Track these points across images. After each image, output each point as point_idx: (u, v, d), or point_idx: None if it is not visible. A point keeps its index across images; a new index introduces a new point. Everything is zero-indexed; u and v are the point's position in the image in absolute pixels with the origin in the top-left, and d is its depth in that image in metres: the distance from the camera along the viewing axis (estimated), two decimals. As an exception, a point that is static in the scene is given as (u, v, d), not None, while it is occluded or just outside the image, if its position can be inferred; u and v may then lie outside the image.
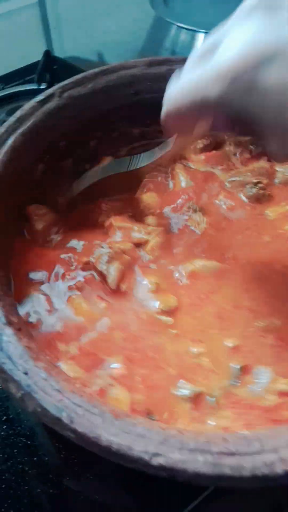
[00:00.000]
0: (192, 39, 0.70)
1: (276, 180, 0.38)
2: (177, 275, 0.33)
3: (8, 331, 0.24)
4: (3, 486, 0.37)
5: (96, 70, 0.38)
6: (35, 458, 0.39)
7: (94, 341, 0.29)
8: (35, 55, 0.67)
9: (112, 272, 0.31)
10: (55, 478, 0.38)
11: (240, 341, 0.30)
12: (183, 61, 0.39)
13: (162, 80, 0.38)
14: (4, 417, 0.41)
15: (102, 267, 0.31)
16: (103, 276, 0.32)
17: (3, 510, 0.36)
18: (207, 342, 0.30)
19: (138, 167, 0.34)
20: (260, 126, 0.23)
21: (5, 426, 0.40)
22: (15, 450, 0.39)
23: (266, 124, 0.22)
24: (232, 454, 0.21)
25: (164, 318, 0.31)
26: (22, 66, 0.68)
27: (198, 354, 0.29)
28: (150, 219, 0.36)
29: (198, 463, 0.21)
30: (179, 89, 0.25)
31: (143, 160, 0.34)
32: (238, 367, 0.29)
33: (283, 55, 0.20)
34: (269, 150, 0.24)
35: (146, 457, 0.21)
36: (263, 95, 0.21)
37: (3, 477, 0.37)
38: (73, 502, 0.37)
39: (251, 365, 0.29)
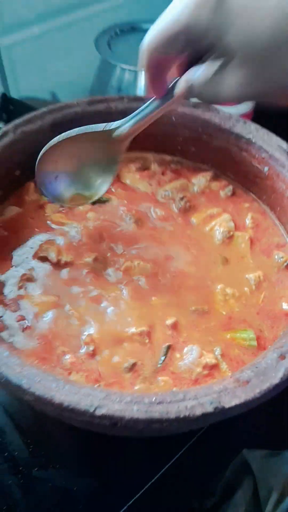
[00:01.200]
0: (135, 78, 0.78)
1: (195, 188, 0.46)
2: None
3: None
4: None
5: (44, 109, 0.44)
6: (6, 454, 0.43)
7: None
8: (-8, 97, 0.73)
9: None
10: (25, 469, 0.42)
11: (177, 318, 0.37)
12: (119, 99, 0.46)
13: (101, 116, 0.46)
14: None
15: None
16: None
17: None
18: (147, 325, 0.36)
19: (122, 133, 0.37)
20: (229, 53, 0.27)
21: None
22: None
23: (235, 48, 0.26)
24: (160, 403, 0.27)
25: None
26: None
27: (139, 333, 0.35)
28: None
29: (133, 411, 0.26)
30: (159, 26, 0.29)
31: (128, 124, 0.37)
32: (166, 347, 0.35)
33: None
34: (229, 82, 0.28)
35: (91, 409, 0.26)
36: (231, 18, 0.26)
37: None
38: (42, 490, 0.41)
39: (182, 344, 0.35)
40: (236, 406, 0.27)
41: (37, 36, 0.80)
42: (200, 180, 0.47)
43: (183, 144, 0.48)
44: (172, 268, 0.40)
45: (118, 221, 0.43)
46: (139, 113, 0.36)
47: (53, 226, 0.42)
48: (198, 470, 0.43)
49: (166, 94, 0.34)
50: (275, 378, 0.28)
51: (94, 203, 0.43)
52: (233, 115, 0.45)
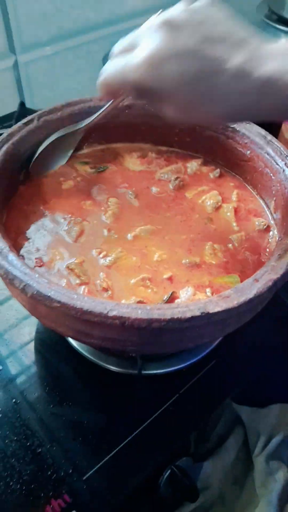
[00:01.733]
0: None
1: (189, 170, 0.55)
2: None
3: (11, 254, 0.37)
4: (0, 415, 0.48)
5: (63, 103, 0.53)
6: (25, 394, 0.50)
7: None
8: (11, 107, 0.83)
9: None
10: (42, 406, 0.49)
11: (172, 272, 0.44)
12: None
13: (110, 110, 0.54)
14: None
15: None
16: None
17: (2, 433, 0.46)
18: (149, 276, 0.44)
19: (82, 125, 0.48)
20: (159, 98, 0.36)
21: None
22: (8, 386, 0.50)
23: (164, 96, 0.35)
24: (159, 309, 0.34)
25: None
26: (1, 115, 0.85)
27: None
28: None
29: (138, 313, 0.33)
30: (110, 72, 0.37)
31: (84, 123, 0.48)
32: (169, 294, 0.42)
33: (176, 57, 0.33)
34: (164, 114, 0.37)
35: (105, 311, 0.33)
36: (164, 79, 0.34)
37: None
38: (57, 423, 0.47)
39: (178, 288, 0.43)
40: (218, 312, 0.34)
41: (50, 55, 0.90)
42: (192, 165, 0.56)
43: (180, 135, 0.57)
44: (167, 231, 0.48)
45: (122, 198, 0.51)
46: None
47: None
48: (196, 409, 0.49)
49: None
50: (250, 294, 0.35)
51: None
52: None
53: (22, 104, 0.81)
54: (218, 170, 0.55)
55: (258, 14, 0.94)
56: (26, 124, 0.50)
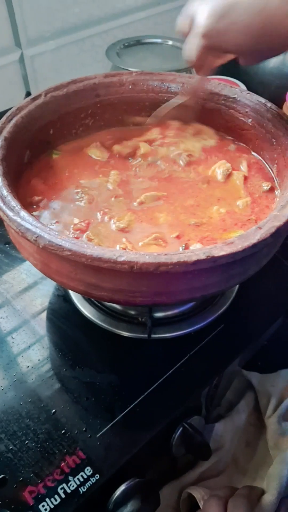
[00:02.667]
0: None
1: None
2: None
3: (23, 211, 0.39)
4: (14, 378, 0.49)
5: (69, 80, 0.55)
6: (39, 359, 0.51)
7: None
8: (18, 99, 0.85)
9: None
10: (55, 370, 0.50)
11: (179, 232, 0.45)
12: (129, 73, 0.57)
13: (114, 86, 0.57)
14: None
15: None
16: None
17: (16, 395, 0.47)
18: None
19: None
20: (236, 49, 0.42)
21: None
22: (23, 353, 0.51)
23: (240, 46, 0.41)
24: (166, 255, 0.35)
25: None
26: (8, 108, 0.87)
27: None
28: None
29: (146, 258, 0.35)
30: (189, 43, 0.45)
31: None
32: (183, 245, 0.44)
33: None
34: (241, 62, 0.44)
35: (114, 257, 0.35)
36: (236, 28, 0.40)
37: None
38: (70, 385, 0.49)
39: (188, 244, 0.44)
40: (223, 256, 0.35)
41: (55, 49, 0.93)
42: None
43: (182, 109, 0.58)
44: (175, 198, 0.49)
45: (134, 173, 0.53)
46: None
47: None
48: (206, 369, 0.50)
49: None
50: (254, 239, 0.36)
51: None
52: (220, 82, 0.56)
53: (28, 94, 0.84)
54: (231, 145, 0.57)
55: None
56: (33, 99, 0.52)
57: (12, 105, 0.88)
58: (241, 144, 0.56)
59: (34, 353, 0.51)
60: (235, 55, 0.46)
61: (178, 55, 0.94)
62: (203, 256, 0.35)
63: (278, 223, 0.38)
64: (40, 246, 0.36)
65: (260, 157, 0.54)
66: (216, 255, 0.35)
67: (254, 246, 0.36)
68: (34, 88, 0.95)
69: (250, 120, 0.53)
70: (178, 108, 0.56)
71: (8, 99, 0.88)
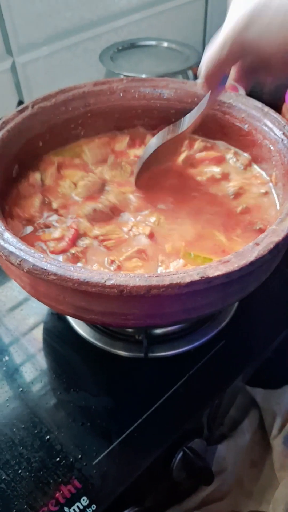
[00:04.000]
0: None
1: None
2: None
3: (7, 233, 0.37)
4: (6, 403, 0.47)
5: (57, 90, 0.53)
6: (32, 382, 0.49)
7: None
8: (11, 109, 0.83)
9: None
10: (49, 394, 0.48)
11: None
12: (119, 80, 0.55)
13: (105, 95, 0.54)
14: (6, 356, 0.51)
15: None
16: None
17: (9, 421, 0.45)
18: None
19: (186, 128, 0.47)
20: (267, 63, 0.37)
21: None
22: (15, 375, 0.49)
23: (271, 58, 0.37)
24: (157, 276, 0.33)
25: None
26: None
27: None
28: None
29: (136, 280, 0.32)
30: (220, 40, 0.38)
31: (187, 121, 0.47)
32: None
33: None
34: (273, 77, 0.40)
35: (103, 281, 0.32)
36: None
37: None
38: (65, 409, 0.47)
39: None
40: (218, 276, 0.33)
41: (47, 55, 0.91)
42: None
43: (176, 116, 0.56)
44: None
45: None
46: (194, 112, 0.46)
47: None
48: (206, 389, 0.48)
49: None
50: (251, 257, 0.34)
51: None
52: (216, 87, 0.53)
53: (20, 103, 0.82)
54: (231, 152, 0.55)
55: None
56: (20, 111, 0.50)
57: (4, 114, 0.87)
58: (238, 150, 0.54)
59: (27, 375, 0.49)
60: (264, 72, 0.40)
61: (173, 57, 0.92)
62: (197, 277, 0.33)
63: (277, 238, 0.35)
64: (24, 270, 0.34)
65: (257, 165, 0.52)
66: (210, 275, 0.33)
67: (252, 264, 0.34)
68: (28, 95, 0.93)
69: (246, 126, 0.51)
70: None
71: (2, 108, 0.86)
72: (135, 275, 0.33)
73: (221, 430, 0.53)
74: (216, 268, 0.33)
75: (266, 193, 0.49)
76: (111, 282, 0.32)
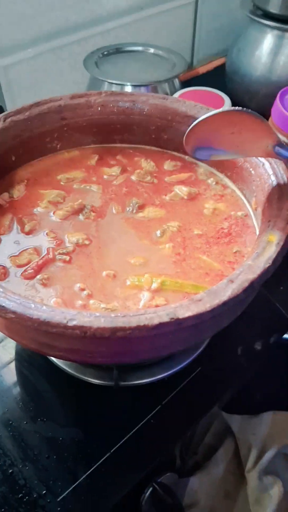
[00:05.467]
0: (122, 90, 0.85)
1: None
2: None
3: None
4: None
5: (31, 102, 0.51)
6: (-3, 411, 0.47)
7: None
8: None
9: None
10: (15, 423, 0.46)
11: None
12: (98, 94, 0.53)
13: (82, 109, 0.52)
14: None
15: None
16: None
17: None
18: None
19: None
20: None
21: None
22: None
23: None
24: (124, 316, 0.31)
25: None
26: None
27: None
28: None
29: (101, 322, 0.30)
30: None
31: None
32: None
33: None
34: None
35: (64, 321, 0.30)
36: None
37: None
38: (31, 441, 0.44)
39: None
40: (189, 317, 0.31)
41: (31, 58, 0.88)
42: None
43: (156, 132, 0.54)
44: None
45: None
46: None
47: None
48: (180, 421, 0.46)
49: None
50: (224, 296, 0.32)
51: None
52: (197, 104, 0.51)
53: (1, 109, 0.79)
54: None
55: (243, 10, 0.92)
56: (-9, 125, 0.48)
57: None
58: (217, 173, 0.52)
59: (-8, 403, 0.47)
60: None
61: (160, 64, 0.89)
62: (166, 319, 0.31)
63: (252, 276, 0.34)
64: (-18, 306, 0.32)
65: (236, 188, 0.50)
66: (181, 316, 0.31)
67: (225, 304, 0.32)
68: (10, 100, 0.90)
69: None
70: None
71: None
72: (100, 315, 0.31)
73: (194, 459, 0.51)
74: (187, 308, 0.31)
75: (246, 216, 0.48)
76: (74, 323, 0.30)
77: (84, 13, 0.92)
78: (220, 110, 0.38)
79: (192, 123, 0.48)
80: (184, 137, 0.40)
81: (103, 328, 0.30)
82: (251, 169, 0.46)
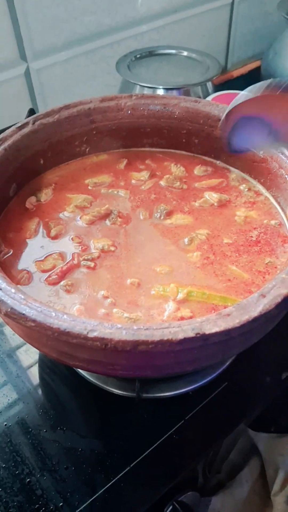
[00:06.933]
0: (154, 93, 0.84)
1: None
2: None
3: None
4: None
5: (61, 105, 0.50)
6: (18, 417, 0.46)
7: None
8: (23, 115, 0.81)
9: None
10: (34, 431, 0.45)
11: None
12: (128, 97, 0.52)
13: (112, 111, 0.51)
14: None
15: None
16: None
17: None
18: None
19: None
20: None
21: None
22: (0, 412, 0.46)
23: None
24: (147, 329, 0.30)
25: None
26: (12, 124, 0.83)
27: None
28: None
29: (122, 334, 0.29)
30: None
31: None
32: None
33: None
34: None
35: (85, 332, 0.29)
36: None
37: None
38: (49, 450, 0.43)
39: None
40: (216, 333, 0.29)
41: (64, 61, 0.88)
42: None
43: (187, 137, 0.53)
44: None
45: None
46: None
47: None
48: (203, 437, 0.44)
49: None
50: (255, 312, 0.30)
51: None
52: (231, 107, 0.50)
53: (31, 111, 0.79)
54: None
55: (280, 12, 0.89)
56: (20, 128, 0.47)
57: (18, 121, 0.85)
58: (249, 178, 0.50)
59: (13, 410, 0.46)
60: None
61: (193, 67, 0.88)
62: (191, 334, 0.29)
63: (286, 290, 0.31)
64: (2, 313, 0.31)
65: (270, 195, 0.48)
66: (207, 332, 0.29)
67: (255, 320, 0.30)
68: (42, 102, 0.90)
69: (261, 152, 0.47)
70: None
71: (14, 115, 0.84)
72: (122, 327, 0.30)
73: (218, 478, 0.49)
74: (214, 323, 0.30)
75: (280, 225, 0.45)
76: (94, 334, 0.29)
77: (118, 17, 0.92)
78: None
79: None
80: (225, 114, 0.36)
81: (125, 341, 0.29)
82: (286, 176, 0.44)
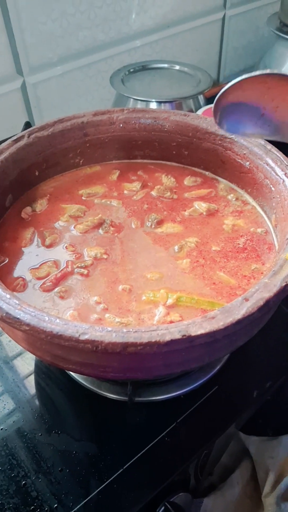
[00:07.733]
0: (147, 107, 0.87)
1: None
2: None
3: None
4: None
5: (55, 119, 0.52)
6: (13, 421, 0.47)
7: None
8: (19, 128, 0.83)
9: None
10: (29, 435, 0.46)
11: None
12: (120, 110, 0.54)
13: (104, 125, 0.53)
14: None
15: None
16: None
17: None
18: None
19: None
20: None
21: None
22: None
23: None
24: (136, 332, 0.31)
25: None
26: (8, 136, 0.85)
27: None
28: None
29: (112, 336, 0.31)
30: None
31: None
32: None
33: None
34: None
35: (76, 335, 0.31)
36: None
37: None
38: (45, 453, 0.45)
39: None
40: (201, 335, 0.31)
41: (60, 75, 0.91)
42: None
43: (177, 149, 0.55)
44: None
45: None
46: None
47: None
48: (195, 440, 0.45)
49: None
50: (238, 315, 0.32)
51: None
52: (219, 120, 0.52)
53: (27, 124, 0.81)
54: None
55: (269, 27, 0.92)
56: (16, 141, 0.49)
57: (14, 133, 0.87)
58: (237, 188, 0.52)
59: (9, 414, 0.47)
60: None
61: (185, 81, 0.90)
62: (178, 336, 0.31)
63: (268, 294, 0.33)
64: (-2, 318, 0.33)
65: (257, 204, 0.50)
66: (193, 334, 0.31)
67: (239, 322, 0.32)
68: (38, 115, 0.92)
69: (248, 163, 0.49)
70: None
71: (10, 128, 0.86)
72: (112, 330, 0.31)
73: (209, 480, 0.50)
74: (199, 326, 0.31)
75: (266, 233, 0.47)
76: (86, 337, 0.31)
77: (112, 32, 0.94)
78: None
79: (213, 138, 0.48)
80: (216, 99, 0.35)
81: (114, 343, 0.30)
82: (271, 186, 0.46)
